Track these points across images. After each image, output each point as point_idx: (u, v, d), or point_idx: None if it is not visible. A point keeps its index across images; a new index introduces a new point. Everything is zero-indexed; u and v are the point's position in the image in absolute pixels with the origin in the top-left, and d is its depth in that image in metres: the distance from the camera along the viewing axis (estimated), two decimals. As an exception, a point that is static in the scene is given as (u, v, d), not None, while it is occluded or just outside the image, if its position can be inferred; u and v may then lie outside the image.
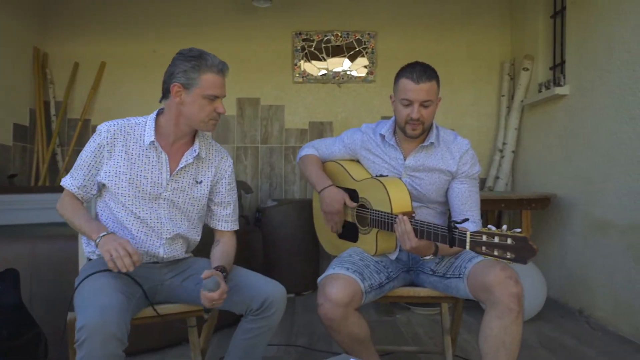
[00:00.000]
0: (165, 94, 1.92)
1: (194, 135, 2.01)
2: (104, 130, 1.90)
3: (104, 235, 1.77)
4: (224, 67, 1.91)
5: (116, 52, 4.73)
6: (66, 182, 1.95)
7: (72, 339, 1.79)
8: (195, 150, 1.97)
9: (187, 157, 1.96)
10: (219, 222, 2.09)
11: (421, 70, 2.06)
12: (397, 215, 1.96)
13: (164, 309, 1.96)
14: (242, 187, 4.28)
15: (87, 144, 1.93)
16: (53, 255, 2.57)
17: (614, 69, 3.22)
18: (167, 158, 1.94)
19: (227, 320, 2.98)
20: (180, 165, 1.95)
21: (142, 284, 1.88)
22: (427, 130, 2.16)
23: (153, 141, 1.91)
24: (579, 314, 3.52)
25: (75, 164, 1.94)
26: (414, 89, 2.05)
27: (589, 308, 3.45)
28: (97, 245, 1.77)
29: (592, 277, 3.42)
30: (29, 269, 2.50)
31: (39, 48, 4.62)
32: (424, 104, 2.07)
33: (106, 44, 4.73)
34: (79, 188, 1.93)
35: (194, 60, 1.86)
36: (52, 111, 4.64)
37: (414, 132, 2.12)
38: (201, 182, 2.01)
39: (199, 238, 2.10)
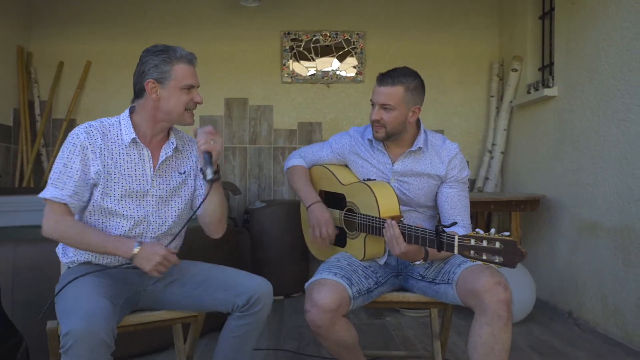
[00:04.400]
0: (139, 93, 1.90)
1: (168, 131, 2.00)
2: (81, 132, 1.84)
3: (138, 249, 1.77)
4: (193, 57, 1.92)
5: (102, 51, 4.67)
6: (52, 194, 1.78)
7: (53, 348, 1.75)
8: (172, 142, 1.97)
9: (167, 150, 1.95)
10: None
11: (389, 74, 2.07)
12: (385, 220, 1.93)
13: (149, 316, 1.92)
14: (230, 188, 4.23)
15: (65, 150, 1.81)
16: (36, 259, 2.51)
17: (603, 71, 3.22)
18: (149, 153, 1.92)
19: (213, 325, 2.96)
20: (161, 159, 1.94)
21: (125, 290, 1.84)
22: (394, 134, 2.11)
23: (134, 138, 1.88)
24: (568, 316, 3.51)
25: (57, 173, 1.80)
26: (375, 90, 2.09)
27: (578, 310, 3.44)
28: (131, 260, 1.78)
29: (581, 279, 3.42)
30: (10, 274, 2.45)
31: (23, 47, 4.54)
32: (384, 107, 2.06)
33: (92, 43, 4.67)
34: (70, 197, 1.78)
35: (162, 53, 1.85)
36: (37, 111, 4.57)
37: (376, 135, 2.12)
38: (184, 172, 2.01)
39: (182, 236, 2.06)
